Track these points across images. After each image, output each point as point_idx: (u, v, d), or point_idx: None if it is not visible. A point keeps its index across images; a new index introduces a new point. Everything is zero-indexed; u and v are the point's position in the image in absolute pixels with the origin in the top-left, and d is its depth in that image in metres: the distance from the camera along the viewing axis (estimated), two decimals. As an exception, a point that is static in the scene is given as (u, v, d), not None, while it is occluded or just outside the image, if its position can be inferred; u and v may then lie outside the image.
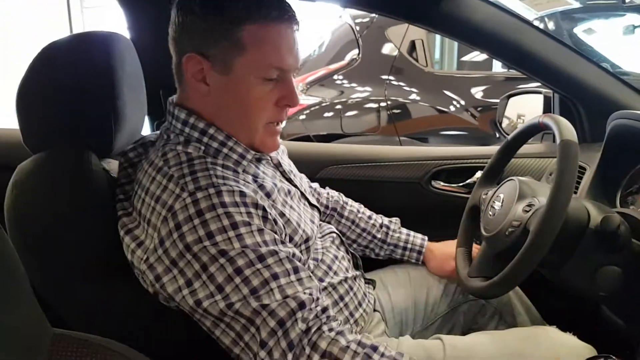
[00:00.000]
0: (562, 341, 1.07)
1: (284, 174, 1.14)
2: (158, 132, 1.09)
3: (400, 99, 3.11)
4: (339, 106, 3.20)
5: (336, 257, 1.15)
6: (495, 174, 1.28)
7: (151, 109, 1.27)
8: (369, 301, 1.19)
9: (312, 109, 3.26)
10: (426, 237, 1.41)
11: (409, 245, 1.39)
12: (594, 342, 1.07)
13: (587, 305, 1.26)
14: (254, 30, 0.94)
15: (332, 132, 3.18)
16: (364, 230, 1.39)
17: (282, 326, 0.85)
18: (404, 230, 1.41)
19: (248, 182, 0.98)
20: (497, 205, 1.13)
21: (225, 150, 1.00)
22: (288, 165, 1.20)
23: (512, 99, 1.72)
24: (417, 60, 3.12)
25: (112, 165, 1.10)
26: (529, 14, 2.95)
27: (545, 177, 1.49)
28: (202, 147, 0.99)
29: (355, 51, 3.18)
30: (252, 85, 0.96)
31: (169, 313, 0.95)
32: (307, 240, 1.04)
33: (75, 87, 0.98)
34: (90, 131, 1.00)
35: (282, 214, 1.00)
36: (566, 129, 0.98)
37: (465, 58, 3.55)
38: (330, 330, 0.88)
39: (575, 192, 1.29)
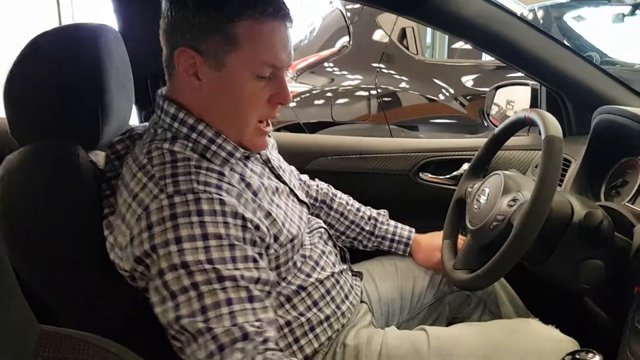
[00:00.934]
0: (544, 334, 1.09)
1: (272, 170, 1.14)
2: (146, 123, 1.08)
3: (391, 87, 3.11)
4: (329, 94, 3.20)
5: (323, 253, 1.16)
6: (482, 167, 1.30)
7: (139, 98, 1.27)
8: (355, 293, 1.20)
9: (303, 96, 3.25)
10: (413, 230, 1.42)
11: (397, 238, 1.40)
12: (577, 334, 1.09)
13: (571, 297, 1.28)
14: (248, 27, 0.92)
15: (323, 119, 3.18)
16: (352, 222, 1.40)
17: (221, 352, 0.83)
18: (392, 223, 1.42)
19: (233, 185, 0.96)
20: (483, 199, 1.14)
21: (213, 147, 0.99)
22: (277, 160, 1.20)
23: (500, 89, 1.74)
24: (407, 48, 3.12)
25: (100, 157, 1.09)
26: (518, 8, 2.95)
27: (531, 169, 1.50)
28: (190, 144, 0.98)
29: (346, 38, 3.17)
30: (245, 82, 0.95)
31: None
32: (292, 239, 1.04)
33: (63, 80, 0.97)
34: (78, 124, 0.99)
35: (268, 214, 1.00)
36: (551, 125, 0.99)
37: (456, 45, 3.55)
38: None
39: (560, 185, 1.31)
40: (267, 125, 1.03)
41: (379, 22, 3.14)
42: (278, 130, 3.26)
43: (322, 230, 1.22)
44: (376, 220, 1.41)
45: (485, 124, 2.84)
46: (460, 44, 3.49)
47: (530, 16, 3.55)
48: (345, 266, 1.23)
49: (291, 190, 1.16)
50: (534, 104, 1.62)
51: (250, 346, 0.84)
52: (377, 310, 1.29)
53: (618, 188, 1.22)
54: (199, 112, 0.99)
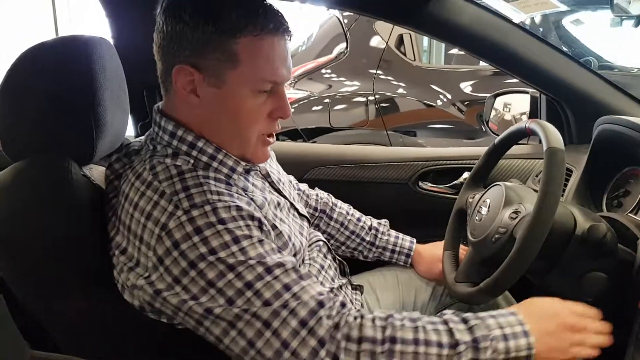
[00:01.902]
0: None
1: (272, 184, 1.13)
2: (142, 138, 1.06)
3: (388, 93, 3.11)
4: (327, 100, 3.19)
5: (322, 267, 1.14)
6: (482, 177, 1.28)
7: (135, 109, 1.25)
8: (355, 308, 1.18)
9: (301, 102, 3.25)
10: (414, 240, 1.40)
11: (397, 248, 1.38)
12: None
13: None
14: (248, 43, 0.91)
15: (321, 125, 3.18)
16: (352, 232, 1.38)
17: (305, 325, 0.83)
18: (393, 233, 1.41)
19: (241, 195, 0.95)
20: (484, 210, 1.13)
21: (214, 164, 0.97)
22: (277, 173, 1.18)
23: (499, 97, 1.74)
24: (405, 54, 3.11)
25: (94, 171, 1.08)
26: (517, 16, 2.94)
27: (532, 178, 1.49)
28: (191, 161, 0.96)
29: (343, 45, 3.17)
30: (245, 99, 0.94)
31: (154, 327, 0.93)
32: (295, 254, 1.03)
33: (56, 94, 0.96)
34: (71, 139, 0.98)
35: (274, 227, 0.99)
36: (553, 136, 0.98)
37: (453, 51, 3.55)
38: (355, 318, 0.86)
39: (562, 195, 1.29)
40: (270, 136, 1.02)
41: (376, 29, 3.14)
42: (276, 136, 3.25)
43: (321, 243, 1.20)
44: (377, 230, 1.40)
45: (484, 129, 2.84)
46: (456, 50, 3.48)
47: (528, 21, 3.55)
48: (344, 280, 1.21)
49: (292, 205, 1.15)
50: (534, 111, 1.61)
51: (333, 312, 0.85)
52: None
53: (620, 198, 1.20)
54: (197, 128, 0.97)
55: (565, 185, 1.31)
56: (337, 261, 1.24)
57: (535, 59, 1.36)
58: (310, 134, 3.18)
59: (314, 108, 3.23)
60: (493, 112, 1.74)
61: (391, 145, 3.06)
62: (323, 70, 3.25)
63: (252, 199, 0.98)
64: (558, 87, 1.41)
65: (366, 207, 1.46)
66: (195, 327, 0.88)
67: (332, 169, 1.64)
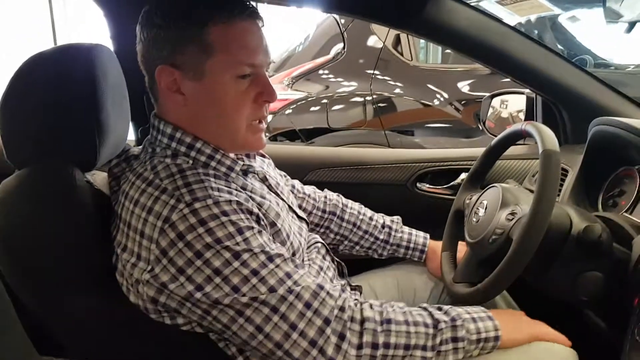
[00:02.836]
0: (544, 346, 1.08)
1: (270, 187, 1.14)
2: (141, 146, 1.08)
3: (386, 93, 3.11)
4: (324, 100, 3.20)
5: (321, 268, 1.16)
6: (479, 178, 1.30)
7: (135, 115, 1.26)
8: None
9: (298, 103, 3.25)
10: (428, 235, 1.41)
11: (412, 245, 1.40)
12: (577, 346, 1.09)
13: (570, 309, 1.28)
14: (220, 31, 0.94)
15: (318, 126, 3.18)
16: (365, 232, 1.39)
17: (310, 307, 0.89)
18: (406, 229, 1.42)
19: (239, 192, 0.98)
20: (481, 211, 1.14)
21: (213, 163, 1.00)
22: (274, 179, 1.20)
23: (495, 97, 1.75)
24: (402, 54, 3.12)
25: (97, 176, 1.09)
26: (512, 19, 2.95)
27: (528, 178, 1.51)
28: (190, 161, 0.98)
29: (341, 45, 3.17)
30: (227, 86, 0.96)
31: (158, 330, 0.95)
32: (294, 254, 1.04)
33: (58, 102, 0.97)
34: (74, 146, 0.99)
35: (272, 224, 1.01)
36: (548, 139, 1.00)
37: (449, 50, 3.55)
38: (355, 304, 0.94)
39: (558, 195, 1.31)
40: (260, 123, 1.04)
41: (373, 29, 3.14)
42: (274, 137, 3.27)
43: (320, 245, 1.21)
44: (390, 227, 1.41)
45: (480, 128, 2.85)
46: (453, 49, 3.48)
47: (523, 20, 3.56)
48: (343, 281, 1.22)
49: (290, 207, 1.16)
50: (530, 112, 1.63)
51: (336, 293, 0.93)
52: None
53: (615, 198, 1.22)
54: (191, 128, 1.00)
55: (561, 185, 1.33)
56: (336, 262, 1.25)
57: (531, 61, 1.37)
58: (308, 135, 3.18)
59: (312, 109, 3.24)
60: (490, 110, 1.76)
61: (389, 145, 3.07)
62: (320, 71, 3.26)
63: (251, 196, 1.00)
64: (553, 88, 1.43)
65: (365, 208, 1.47)
66: (201, 318, 0.91)
67: (331, 171, 1.65)
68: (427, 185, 1.66)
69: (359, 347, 0.90)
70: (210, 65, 0.95)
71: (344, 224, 1.39)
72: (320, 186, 1.51)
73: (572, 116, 1.49)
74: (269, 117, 3.23)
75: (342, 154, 1.71)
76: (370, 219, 1.41)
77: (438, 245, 1.39)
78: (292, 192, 1.31)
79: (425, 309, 0.99)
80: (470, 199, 1.24)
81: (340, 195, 1.45)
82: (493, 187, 1.16)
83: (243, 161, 1.09)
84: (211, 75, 0.95)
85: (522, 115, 1.67)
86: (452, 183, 1.64)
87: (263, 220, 0.97)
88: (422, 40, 3.39)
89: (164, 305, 0.93)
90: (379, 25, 3.10)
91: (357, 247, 1.41)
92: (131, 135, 1.42)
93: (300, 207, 1.33)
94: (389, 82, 3.14)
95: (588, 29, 3.80)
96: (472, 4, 1.32)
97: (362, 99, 3.13)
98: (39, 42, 6.54)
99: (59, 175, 0.96)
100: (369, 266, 1.43)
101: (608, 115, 1.27)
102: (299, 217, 1.18)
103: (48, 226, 0.95)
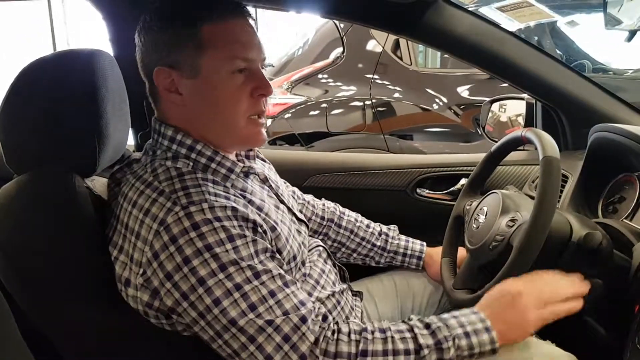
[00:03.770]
0: (543, 351, 1.08)
1: (271, 189, 1.14)
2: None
3: (385, 97, 3.12)
4: (324, 105, 3.20)
5: (323, 271, 1.16)
6: (479, 184, 1.30)
7: (135, 120, 1.26)
8: (355, 315, 1.20)
9: (298, 107, 3.26)
10: (425, 243, 1.41)
11: (409, 252, 1.39)
12: (577, 352, 1.09)
13: (571, 315, 1.28)
14: (211, 29, 0.97)
15: (318, 130, 3.19)
16: (363, 239, 1.39)
17: (288, 341, 0.87)
18: (403, 237, 1.42)
19: (238, 197, 0.98)
20: (481, 218, 1.14)
21: (213, 165, 1.00)
22: (275, 182, 1.20)
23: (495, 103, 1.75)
24: (401, 58, 3.13)
25: (96, 182, 1.09)
26: (512, 25, 2.95)
27: (528, 184, 1.51)
28: (190, 163, 0.99)
29: (340, 49, 3.18)
30: (223, 81, 0.98)
31: (158, 335, 0.95)
32: (294, 256, 1.05)
33: (58, 107, 0.97)
34: (74, 152, 0.99)
35: (273, 228, 1.01)
36: (548, 145, 1.00)
37: (448, 55, 3.56)
38: (333, 333, 0.91)
39: (558, 201, 1.31)
40: (260, 117, 1.04)
41: (372, 33, 3.15)
42: (274, 141, 3.27)
43: (321, 248, 1.22)
44: (387, 235, 1.41)
45: (479, 132, 2.85)
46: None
47: (523, 26, 3.56)
48: (345, 285, 1.22)
49: (289, 209, 1.16)
50: (529, 117, 1.63)
51: (316, 327, 0.90)
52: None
53: (615, 204, 1.22)
54: (192, 129, 1.01)
55: (561, 191, 1.33)
56: (337, 267, 1.25)
57: (531, 67, 1.37)
58: (308, 139, 3.19)
59: (311, 113, 3.24)
60: (489, 116, 1.76)
61: (388, 149, 3.08)
62: (320, 75, 3.27)
63: (250, 200, 1.01)
64: (553, 94, 1.43)
65: (364, 214, 1.47)
66: (190, 325, 0.92)
67: (331, 176, 1.65)
68: (427, 191, 1.66)
69: None
70: (205, 61, 0.97)
71: (341, 231, 1.39)
72: (321, 192, 1.51)
73: (571, 122, 1.49)
74: (268, 122, 3.24)
75: (342, 160, 1.71)
76: (367, 226, 1.41)
77: (436, 251, 1.39)
78: (293, 197, 1.31)
79: (411, 329, 0.93)
80: (470, 205, 1.24)
81: (338, 204, 1.45)
82: (493, 193, 1.16)
83: (243, 163, 1.10)
84: (207, 71, 0.97)
85: (521, 120, 1.67)
86: (452, 189, 1.64)
87: (261, 226, 0.96)
88: (420, 46, 3.40)
89: (158, 310, 0.94)
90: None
91: (355, 255, 1.41)
92: (130, 141, 1.42)
93: (300, 212, 1.33)
94: (388, 86, 3.15)
95: (586, 34, 3.80)
96: (472, 10, 1.33)
97: (361, 103, 3.14)
98: (38, 45, 6.54)
99: (58, 181, 0.96)
100: (369, 272, 1.43)
101: (607, 121, 1.28)
102: (298, 219, 1.18)
103: (47, 232, 0.95)
